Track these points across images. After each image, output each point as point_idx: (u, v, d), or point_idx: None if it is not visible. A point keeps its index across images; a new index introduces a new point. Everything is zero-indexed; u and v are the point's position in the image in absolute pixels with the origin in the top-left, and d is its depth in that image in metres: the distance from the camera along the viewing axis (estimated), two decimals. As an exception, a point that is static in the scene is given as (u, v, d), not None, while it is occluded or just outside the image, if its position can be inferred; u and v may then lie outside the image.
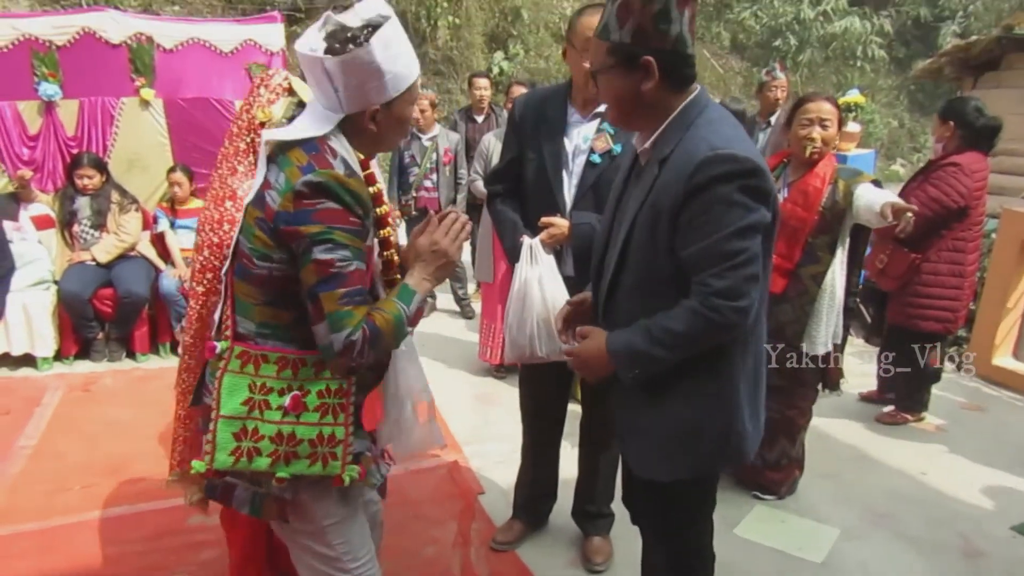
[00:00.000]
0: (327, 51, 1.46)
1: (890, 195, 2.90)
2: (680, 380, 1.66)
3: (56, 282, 4.63)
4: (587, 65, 2.12)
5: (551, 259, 2.39)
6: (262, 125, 1.99)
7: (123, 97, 4.91)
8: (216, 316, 1.63)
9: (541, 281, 2.36)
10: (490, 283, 4.44)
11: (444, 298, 6.05)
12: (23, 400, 4.06)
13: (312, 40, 1.49)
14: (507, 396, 4.19)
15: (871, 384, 4.32)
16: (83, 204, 4.65)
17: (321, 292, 1.44)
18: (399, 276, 1.73)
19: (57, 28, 4.75)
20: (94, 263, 4.61)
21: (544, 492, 2.89)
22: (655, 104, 1.61)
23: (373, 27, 1.47)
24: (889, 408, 4.12)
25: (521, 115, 2.49)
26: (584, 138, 2.40)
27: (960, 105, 3.80)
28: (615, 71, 1.60)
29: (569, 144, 2.41)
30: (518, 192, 2.53)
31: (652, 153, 1.66)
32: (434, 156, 5.42)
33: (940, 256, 3.70)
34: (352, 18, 1.49)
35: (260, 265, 1.50)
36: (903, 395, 4.07)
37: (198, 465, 1.54)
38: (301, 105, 2.01)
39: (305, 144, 1.49)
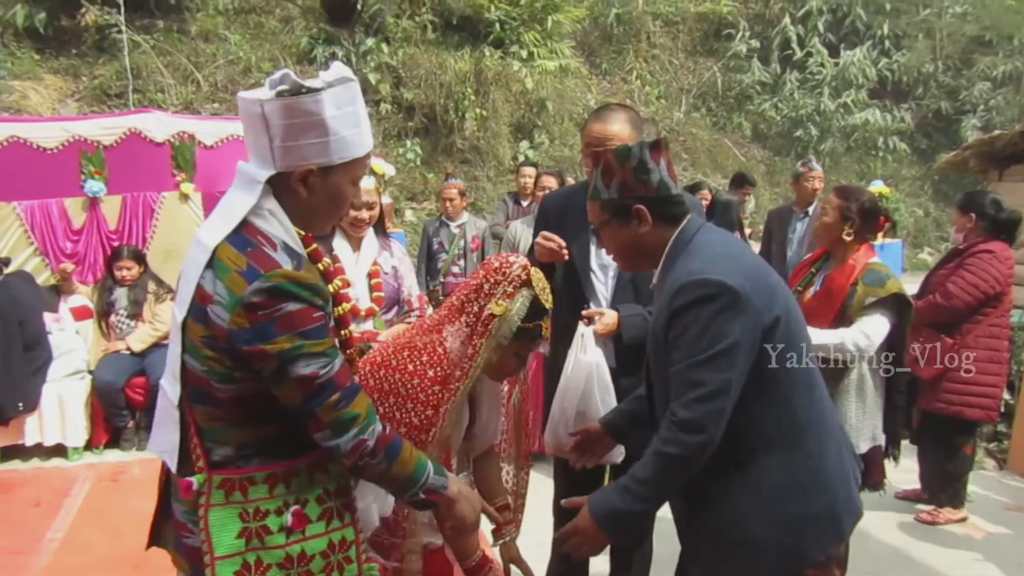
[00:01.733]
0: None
1: (854, 339, 2.78)
2: (714, 489, 1.67)
3: (91, 371, 4.71)
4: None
5: (600, 352, 2.37)
6: (492, 317, 1.81)
7: (164, 191, 5.14)
8: (175, 452, 1.44)
9: (590, 375, 2.34)
10: (517, 370, 4.43)
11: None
12: (53, 491, 4.08)
13: (260, 92, 1.36)
14: (536, 485, 4.07)
15: (909, 479, 4.16)
16: (121, 295, 4.78)
17: (316, 408, 1.32)
18: (356, 356, 1.68)
19: (105, 129, 5.03)
20: (128, 352, 4.70)
21: (575, 590, 2.80)
22: (655, 243, 1.75)
23: (330, 85, 1.35)
24: (929, 507, 3.97)
25: (547, 211, 2.57)
26: None
27: (980, 198, 3.88)
28: (613, 223, 1.77)
29: (596, 240, 2.44)
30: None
31: (658, 285, 1.78)
32: (462, 243, 5.53)
33: (978, 342, 3.67)
34: (314, 81, 1.37)
35: (222, 387, 1.34)
36: (938, 489, 3.92)
37: None
38: (536, 301, 1.86)
39: (235, 238, 1.32)
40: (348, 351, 1.61)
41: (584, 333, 2.36)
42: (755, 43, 16.09)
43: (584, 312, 2.38)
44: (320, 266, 1.50)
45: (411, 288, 2.98)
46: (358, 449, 1.35)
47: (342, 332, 1.59)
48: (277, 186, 1.37)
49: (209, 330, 1.32)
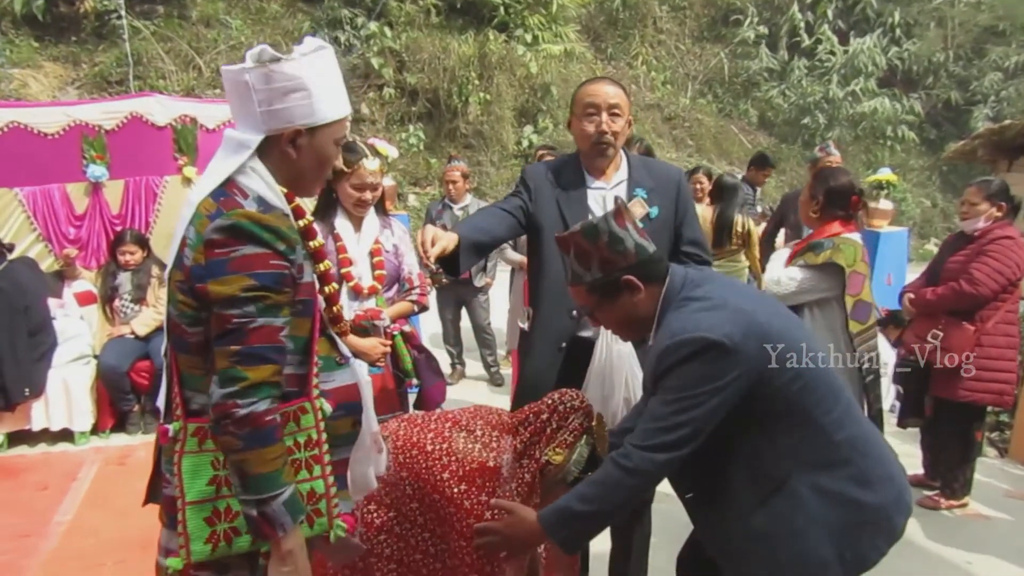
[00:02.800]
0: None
1: (770, 276, 3.08)
2: (764, 518, 1.67)
3: (96, 356, 4.72)
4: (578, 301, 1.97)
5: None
6: (548, 464, 1.87)
7: (166, 176, 5.10)
8: (161, 399, 1.51)
9: (623, 358, 2.33)
10: (522, 352, 4.42)
11: (473, 364, 6.03)
12: (60, 475, 4.09)
13: (243, 64, 1.44)
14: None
15: (912, 464, 4.14)
16: (124, 279, 4.77)
17: (216, 346, 1.35)
18: (342, 313, 1.69)
19: (106, 113, 4.98)
20: (133, 336, 4.70)
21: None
22: (649, 307, 1.75)
23: (304, 56, 1.43)
24: (932, 492, 3.97)
25: (536, 181, 2.47)
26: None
27: (1004, 186, 3.81)
28: (605, 302, 1.77)
29: (597, 208, 2.41)
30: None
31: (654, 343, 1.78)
32: (465, 227, 5.51)
33: (997, 328, 3.66)
34: (290, 54, 1.44)
35: (193, 331, 1.40)
36: (952, 478, 3.90)
37: (174, 563, 1.38)
38: (593, 449, 1.89)
39: (214, 192, 1.40)
40: (328, 285, 1.64)
41: None
42: (763, 29, 15.98)
43: None
44: (301, 223, 1.53)
45: (411, 266, 2.98)
46: (225, 408, 1.32)
47: (319, 267, 1.60)
48: (266, 152, 1.44)
49: (182, 273, 1.39)
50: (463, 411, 2.05)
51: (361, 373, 1.64)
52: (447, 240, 2.13)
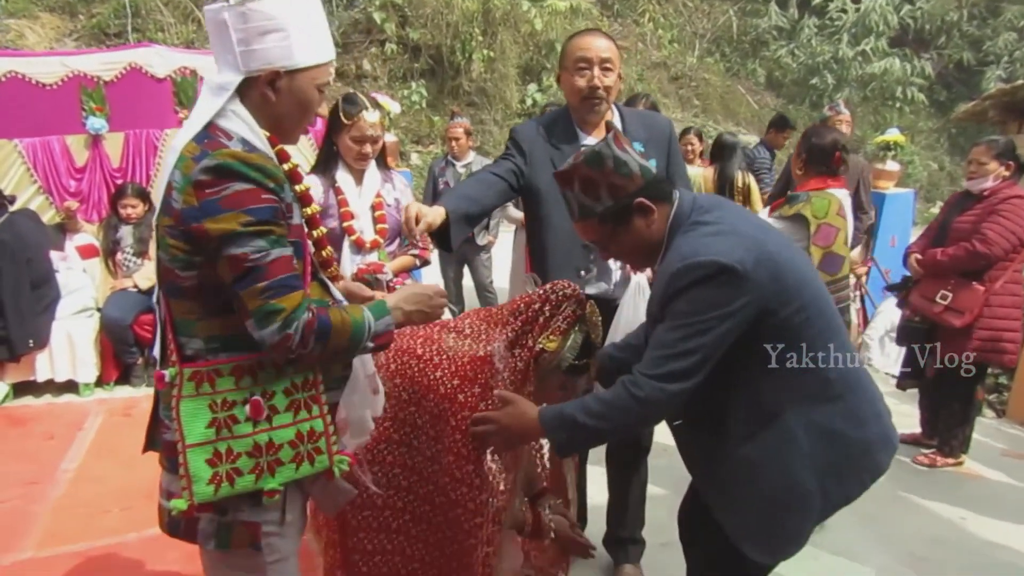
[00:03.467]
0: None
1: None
2: (756, 452, 1.68)
3: (99, 309, 4.74)
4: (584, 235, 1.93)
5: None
6: (542, 352, 1.85)
7: (167, 128, 5.06)
8: (156, 347, 1.52)
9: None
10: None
11: (476, 325, 6.04)
12: (66, 425, 4.14)
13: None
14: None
15: (908, 424, 4.18)
16: (126, 233, 4.77)
17: (240, 290, 1.34)
18: (333, 256, 1.68)
19: (105, 64, 4.93)
20: (136, 290, 4.72)
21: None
22: (660, 229, 1.73)
23: None
24: (929, 451, 4.02)
25: (529, 142, 2.41)
26: None
27: (1010, 144, 3.78)
28: (619, 231, 1.73)
29: None
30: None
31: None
32: (468, 184, 5.47)
33: (1005, 288, 3.67)
34: None
35: (186, 275, 1.39)
36: (949, 436, 3.94)
37: (178, 503, 1.40)
38: (587, 336, 1.89)
39: (197, 135, 1.39)
40: (316, 229, 1.63)
41: (640, 283, 2.39)
42: (773, -15, 15.67)
43: None
44: (286, 166, 1.52)
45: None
46: (283, 344, 1.35)
47: (306, 211, 1.59)
48: (246, 95, 1.44)
49: (171, 217, 1.38)
50: (452, 318, 2.05)
51: None
52: (433, 216, 2.07)
